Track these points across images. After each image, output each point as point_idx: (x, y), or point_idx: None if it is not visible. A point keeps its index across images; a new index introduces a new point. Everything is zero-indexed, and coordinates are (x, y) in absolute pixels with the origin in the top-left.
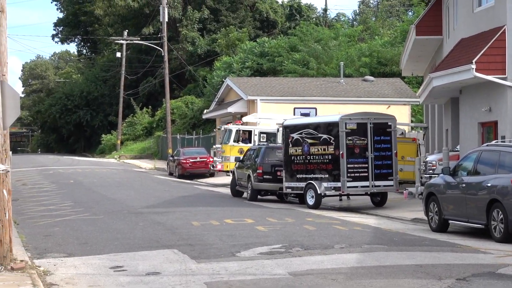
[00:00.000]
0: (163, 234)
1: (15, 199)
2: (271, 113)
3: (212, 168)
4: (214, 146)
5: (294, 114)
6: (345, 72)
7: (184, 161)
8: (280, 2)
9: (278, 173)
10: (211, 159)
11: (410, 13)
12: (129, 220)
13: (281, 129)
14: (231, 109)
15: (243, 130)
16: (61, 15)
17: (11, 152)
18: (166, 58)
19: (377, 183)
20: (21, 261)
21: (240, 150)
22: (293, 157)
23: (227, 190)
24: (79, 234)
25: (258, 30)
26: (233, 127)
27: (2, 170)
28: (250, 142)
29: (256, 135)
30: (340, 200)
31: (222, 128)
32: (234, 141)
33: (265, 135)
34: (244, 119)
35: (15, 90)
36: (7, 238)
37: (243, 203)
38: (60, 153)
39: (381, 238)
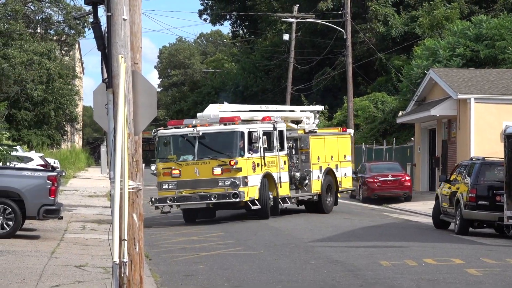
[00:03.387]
0: (342, 277)
1: (147, 227)
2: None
3: (232, 197)
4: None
5: None
6: None
7: (371, 180)
8: None
9: (498, 198)
10: (408, 178)
11: None
12: (297, 257)
13: None
14: (435, 111)
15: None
16: None
17: (143, 164)
18: (349, 43)
19: None
20: None
21: (253, 165)
22: None
23: (428, 220)
24: (230, 273)
25: (473, 5)
26: (243, 128)
27: (132, 188)
28: (257, 151)
29: (260, 138)
30: None
31: (189, 132)
32: (249, 150)
33: (265, 138)
34: (201, 115)
35: (151, 83)
36: (137, 278)
37: (449, 237)
38: None
39: None
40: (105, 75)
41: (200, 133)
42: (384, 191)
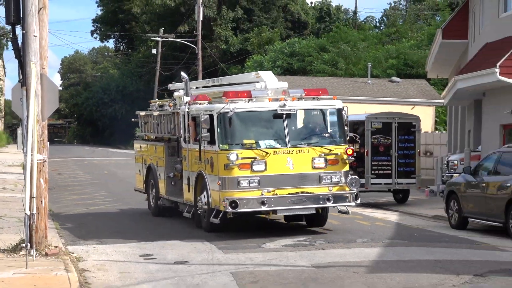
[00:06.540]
0: (194, 226)
1: (51, 188)
2: None
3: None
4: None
5: None
6: (372, 73)
7: None
8: (311, 5)
9: None
10: None
11: (437, 17)
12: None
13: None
14: None
15: None
16: (100, 12)
17: (48, 142)
18: (200, 56)
19: (400, 180)
20: (55, 247)
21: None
22: None
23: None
24: (111, 222)
25: (289, 31)
26: (341, 104)
27: (40, 160)
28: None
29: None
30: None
31: (279, 107)
32: None
33: None
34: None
35: (54, 83)
36: (42, 225)
37: None
38: (95, 145)
39: (402, 233)
40: (21, 77)
41: (295, 110)
42: None
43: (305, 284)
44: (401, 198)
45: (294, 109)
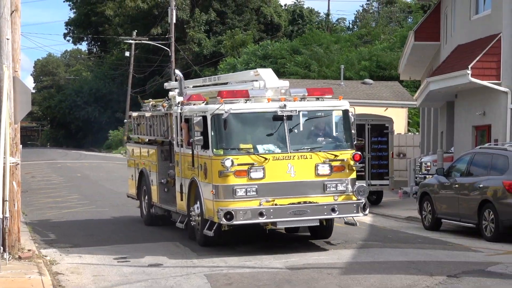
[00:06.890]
0: (167, 229)
1: (24, 191)
2: None
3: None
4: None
5: None
6: (345, 75)
7: None
8: (285, 7)
9: None
10: None
11: (409, 19)
12: (134, 214)
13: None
14: None
15: None
16: (73, 14)
17: (21, 145)
18: (173, 58)
19: (373, 182)
20: (29, 250)
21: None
22: None
23: None
24: (84, 225)
25: (262, 33)
26: (347, 104)
27: (12, 163)
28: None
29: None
30: None
31: (279, 109)
32: None
33: None
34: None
35: (27, 86)
36: (15, 228)
37: None
38: (68, 148)
39: (375, 235)
40: None
41: (297, 111)
42: None
43: (279, 285)
44: (374, 199)
45: (296, 111)
